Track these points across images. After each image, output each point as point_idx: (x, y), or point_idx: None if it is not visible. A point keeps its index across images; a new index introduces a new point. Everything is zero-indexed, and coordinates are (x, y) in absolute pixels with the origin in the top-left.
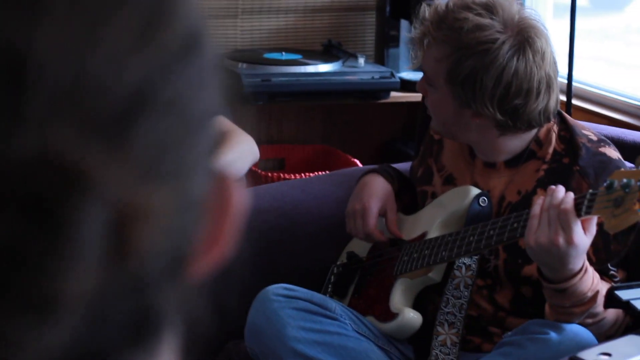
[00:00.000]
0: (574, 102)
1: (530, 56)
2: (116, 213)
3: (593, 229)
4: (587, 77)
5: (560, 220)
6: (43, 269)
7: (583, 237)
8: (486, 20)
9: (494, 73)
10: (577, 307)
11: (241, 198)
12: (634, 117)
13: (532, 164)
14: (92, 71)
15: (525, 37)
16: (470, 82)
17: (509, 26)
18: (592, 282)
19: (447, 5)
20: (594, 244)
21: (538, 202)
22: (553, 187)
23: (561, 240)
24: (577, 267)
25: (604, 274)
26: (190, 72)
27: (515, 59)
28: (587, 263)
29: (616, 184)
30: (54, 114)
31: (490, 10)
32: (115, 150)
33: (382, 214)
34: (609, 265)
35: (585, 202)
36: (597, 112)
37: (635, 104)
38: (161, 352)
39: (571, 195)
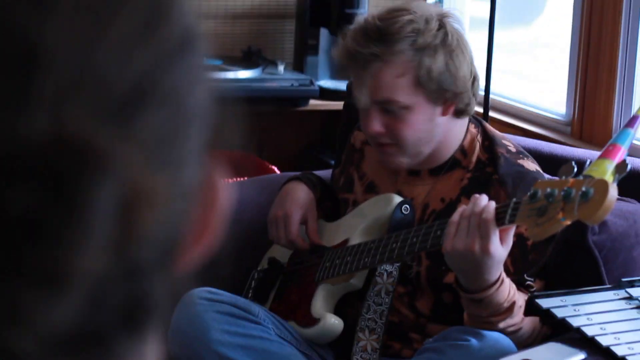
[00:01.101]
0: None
1: (464, 36)
2: (126, 194)
3: (510, 241)
4: (497, 89)
5: (480, 229)
6: (56, 243)
7: (499, 247)
8: (416, 16)
9: (457, 55)
10: (493, 316)
11: (226, 192)
12: (547, 129)
13: (456, 172)
14: (99, 61)
15: (448, 21)
16: (444, 74)
17: (432, 17)
18: (509, 294)
19: (373, 23)
20: (511, 254)
21: (459, 210)
22: (477, 195)
23: (477, 247)
24: (493, 277)
25: (520, 285)
26: (186, 67)
27: (457, 38)
28: (503, 275)
29: (540, 193)
30: (66, 97)
31: (407, 9)
32: (124, 130)
33: (304, 221)
34: (525, 275)
35: (509, 211)
36: (511, 123)
37: (548, 116)
38: (149, 339)
39: (493, 204)
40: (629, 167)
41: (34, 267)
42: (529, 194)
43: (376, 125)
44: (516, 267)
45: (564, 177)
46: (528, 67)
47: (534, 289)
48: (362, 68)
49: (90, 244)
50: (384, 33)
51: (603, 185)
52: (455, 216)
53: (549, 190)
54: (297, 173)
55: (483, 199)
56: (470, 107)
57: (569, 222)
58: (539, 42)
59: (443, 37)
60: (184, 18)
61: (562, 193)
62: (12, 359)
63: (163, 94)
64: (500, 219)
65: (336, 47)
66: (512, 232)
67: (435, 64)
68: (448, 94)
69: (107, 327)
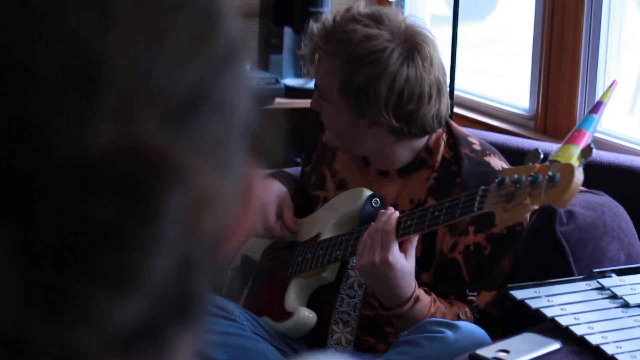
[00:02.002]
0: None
1: (420, 62)
2: (194, 199)
3: (412, 252)
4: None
5: (382, 241)
6: (129, 248)
7: (400, 258)
8: (374, 31)
9: (386, 81)
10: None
11: (259, 190)
12: (511, 123)
13: (423, 172)
14: (157, 72)
15: (413, 44)
16: (364, 92)
17: (397, 34)
18: (429, 311)
19: (334, 20)
20: (468, 264)
21: (367, 230)
22: (383, 211)
23: (377, 259)
24: (405, 292)
25: (462, 301)
26: (234, 75)
27: (405, 65)
28: (420, 293)
29: (507, 180)
30: (130, 108)
31: (377, 20)
32: (186, 140)
33: (279, 213)
34: (467, 291)
35: (478, 198)
36: (476, 119)
37: (511, 111)
38: (193, 329)
39: (395, 216)
40: (594, 151)
41: (106, 270)
42: (496, 180)
43: (314, 102)
44: (471, 277)
45: (530, 164)
46: (483, 62)
47: (475, 304)
48: (312, 52)
49: (160, 248)
50: (333, 32)
51: (569, 169)
52: (364, 236)
53: (516, 176)
54: (270, 171)
55: (385, 214)
56: (411, 131)
57: (536, 207)
58: (492, 37)
59: (403, 61)
60: (231, 28)
61: (529, 178)
62: (71, 353)
63: (215, 101)
64: (472, 206)
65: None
66: (413, 242)
67: (358, 79)
68: (367, 113)
69: (160, 322)
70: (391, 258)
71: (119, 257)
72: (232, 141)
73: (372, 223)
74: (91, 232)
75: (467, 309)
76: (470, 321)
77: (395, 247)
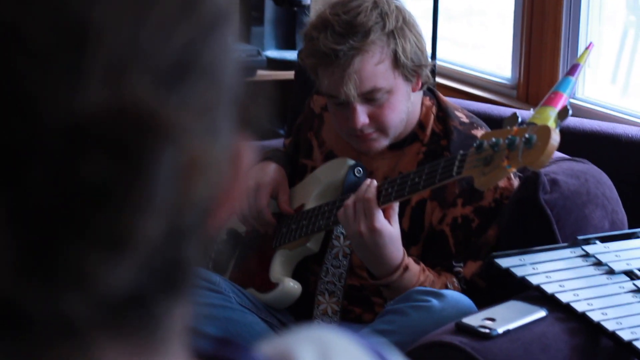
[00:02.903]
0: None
1: (411, 14)
2: (185, 161)
3: (395, 217)
4: (441, 55)
5: (364, 209)
6: (121, 208)
7: (386, 224)
8: (372, 2)
9: (414, 31)
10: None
11: (250, 160)
12: (493, 92)
13: (414, 146)
14: (144, 36)
15: (397, 2)
16: (411, 49)
17: (384, 1)
18: (418, 279)
19: (338, 18)
20: (455, 236)
21: (348, 200)
22: (366, 181)
23: (363, 227)
24: (393, 260)
25: (448, 271)
26: (221, 42)
27: (409, 15)
28: (409, 262)
29: (485, 144)
30: (119, 70)
31: None
32: (177, 102)
33: (274, 195)
34: (453, 262)
35: (456, 163)
36: (458, 88)
37: (494, 80)
38: (183, 299)
39: (374, 184)
40: (570, 112)
41: (99, 231)
42: (474, 144)
43: (362, 117)
44: (458, 249)
45: (508, 127)
46: (465, 34)
47: (462, 275)
48: (344, 65)
49: (152, 209)
50: (354, 25)
51: (545, 131)
52: (345, 207)
53: (493, 139)
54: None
55: (366, 184)
56: (429, 77)
57: (514, 169)
58: (473, 9)
59: (403, 15)
60: None
61: (507, 141)
62: (64, 322)
63: (203, 66)
64: (449, 171)
65: (304, 52)
66: (395, 209)
67: (407, 43)
68: (420, 68)
69: (150, 292)
70: (377, 225)
71: (112, 217)
72: (221, 107)
73: (352, 194)
74: (84, 193)
75: (454, 279)
76: (458, 291)
77: (379, 214)
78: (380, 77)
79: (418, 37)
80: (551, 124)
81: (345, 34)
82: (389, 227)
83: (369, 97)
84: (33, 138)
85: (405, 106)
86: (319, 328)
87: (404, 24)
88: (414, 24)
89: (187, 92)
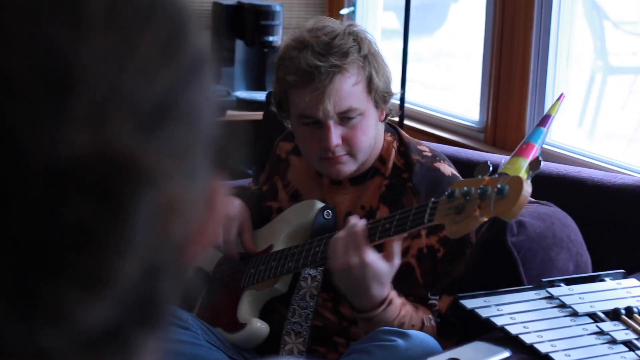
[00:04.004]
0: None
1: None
2: (163, 203)
3: (394, 254)
4: (409, 97)
5: (354, 243)
6: (101, 250)
7: (376, 259)
8: (344, 30)
9: (381, 61)
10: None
11: (224, 198)
12: (460, 135)
13: (375, 180)
14: (127, 80)
15: (358, 30)
16: (381, 76)
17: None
18: (398, 314)
19: (319, 39)
20: (421, 267)
21: (335, 235)
22: (351, 218)
23: (355, 261)
24: (381, 294)
25: (422, 304)
26: (200, 86)
27: (376, 46)
28: (393, 296)
29: (457, 192)
30: (102, 114)
31: (331, 25)
32: (156, 146)
33: (240, 232)
34: (429, 294)
35: (428, 210)
36: (426, 131)
37: (461, 123)
38: (157, 332)
39: (362, 221)
40: (542, 163)
41: (78, 271)
42: (446, 193)
43: (336, 137)
44: (425, 280)
45: (479, 176)
46: (433, 76)
47: (437, 307)
48: (325, 82)
49: (130, 250)
50: (333, 45)
51: (517, 182)
52: (333, 239)
53: (465, 188)
54: (232, 186)
55: (355, 219)
56: (392, 110)
57: (485, 219)
58: (442, 51)
59: (370, 46)
60: (197, 40)
61: (479, 191)
62: (42, 356)
63: (182, 110)
64: (421, 218)
65: (284, 70)
66: (396, 245)
67: (379, 68)
68: (387, 96)
69: (126, 326)
70: (368, 257)
71: (91, 259)
72: (199, 150)
73: (339, 231)
74: (64, 234)
75: (430, 316)
76: (432, 328)
77: (368, 248)
78: (356, 98)
79: (385, 67)
80: (523, 174)
81: (325, 53)
82: (379, 263)
83: (344, 116)
84: (15, 178)
85: (374, 132)
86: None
87: (373, 52)
88: (381, 56)
89: (167, 136)
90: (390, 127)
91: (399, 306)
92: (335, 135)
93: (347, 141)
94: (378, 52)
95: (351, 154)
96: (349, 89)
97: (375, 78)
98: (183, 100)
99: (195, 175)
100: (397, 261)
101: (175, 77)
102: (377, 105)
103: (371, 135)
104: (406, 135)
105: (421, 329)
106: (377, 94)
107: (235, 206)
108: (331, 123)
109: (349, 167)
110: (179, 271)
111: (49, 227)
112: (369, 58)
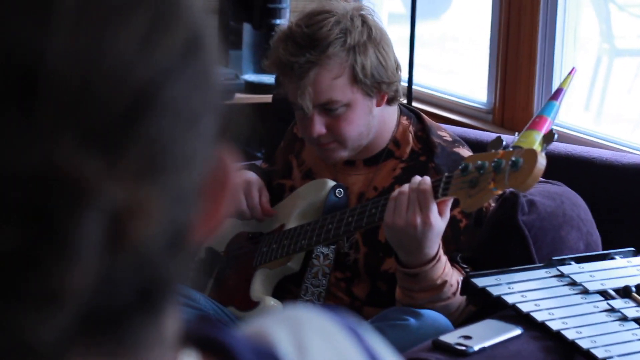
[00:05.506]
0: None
1: (384, 31)
2: (114, 216)
3: (447, 213)
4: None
5: (419, 201)
6: (46, 269)
7: (439, 219)
8: (339, 16)
9: (379, 47)
10: (422, 292)
11: (236, 174)
12: (468, 117)
13: (390, 163)
14: (99, 77)
15: (368, 17)
16: (376, 65)
17: (354, 15)
18: (443, 271)
19: (300, 31)
20: (444, 235)
21: (399, 189)
22: (416, 176)
23: (418, 220)
24: (433, 252)
25: (456, 262)
26: (191, 73)
27: (379, 31)
28: (441, 252)
29: (471, 166)
30: (60, 126)
31: (329, 10)
32: (114, 155)
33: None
34: (459, 259)
35: (442, 185)
36: (434, 113)
37: (469, 105)
38: (167, 314)
39: (428, 178)
40: (555, 136)
41: (29, 292)
42: (460, 167)
43: (318, 128)
44: (447, 248)
45: (493, 150)
46: (438, 60)
47: (469, 269)
48: (299, 77)
49: (78, 265)
50: (314, 39)
51: (532, 154)
52: (395, 192)
53: (479, 162)
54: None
55: (418, 177)
56: (398, 92)
57: (500, 192)
58: (447, 35)
59: (368, 32)
60: (191, 20)
61: (493, 164)
62: None
63: (164, 102)
64: (435, 192)
65: (268, 60)
66: (449, 204)
67: (367, 60)
68: (382, 85)
69: (122, 310)
70: (433, 219)
71: (39, 277)
72: (185, 140)
73: (406, 184)
74: (7, 255)
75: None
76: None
77: (435, 208)
78: (337, 91)
79: (383, 53)
80: (537, 147)
81: (304, 46)
82: (440, 223)
83: (326, 108)
84: None
85: (365, 120)
86: (297, 308)
87: (367, 41)
88: (380, 41)
89: (136, 137)
90: (411, 112)
91: (444, 262)
92: (318, 125)
93: (331, 130)
94: (374, 39)
95: (339, 142)
96: (327, 82)
97: (362, 70)
98: (165, 91)
99: (184, 165)
100: (446, 218)
101: (158, 66)
102: (368, 94)
103: (360, 124)
104: (427, 119)
105: (457, 291)
106: (366, 84)
107: (249, 175)
108: (313, 114)
109: (338, 153)
110: (187, 251)
111: None
112: (357, 49)
